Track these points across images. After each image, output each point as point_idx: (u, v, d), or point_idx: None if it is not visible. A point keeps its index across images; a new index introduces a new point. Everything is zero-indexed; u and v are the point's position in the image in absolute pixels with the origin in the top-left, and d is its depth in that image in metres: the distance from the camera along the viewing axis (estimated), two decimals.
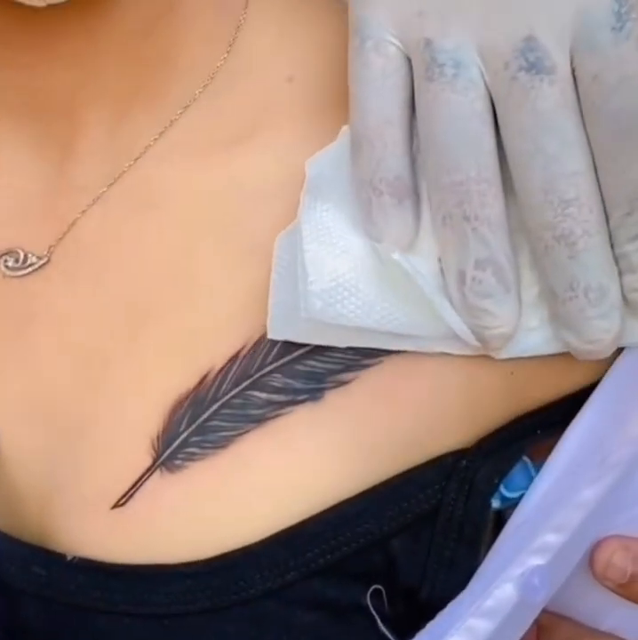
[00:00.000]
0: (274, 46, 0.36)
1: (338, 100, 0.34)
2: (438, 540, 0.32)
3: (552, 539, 0.32)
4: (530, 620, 0.33)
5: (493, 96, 0.29)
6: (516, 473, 0.34)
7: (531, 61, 0.28)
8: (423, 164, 0.30)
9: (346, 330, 0.31)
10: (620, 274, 0.29)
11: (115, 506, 0.32)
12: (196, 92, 0.36)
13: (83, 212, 0.36)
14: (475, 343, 0.30)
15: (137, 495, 0.32)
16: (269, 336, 0.32)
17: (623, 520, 0.34)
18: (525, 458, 0.34)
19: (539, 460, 0.34)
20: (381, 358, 0.31)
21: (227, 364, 0.32)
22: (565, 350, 0.31)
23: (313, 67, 0.36)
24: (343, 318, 0.30)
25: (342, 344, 0.31)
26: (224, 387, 0.32)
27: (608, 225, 0.29)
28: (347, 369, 0.31)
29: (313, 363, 0.32)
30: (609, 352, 0.30)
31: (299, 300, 0.30)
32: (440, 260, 0.30)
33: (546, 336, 0.30)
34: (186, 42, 0.36)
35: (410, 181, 0.30)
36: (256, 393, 0.32)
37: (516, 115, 0.28)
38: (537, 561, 0.32)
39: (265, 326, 0.32)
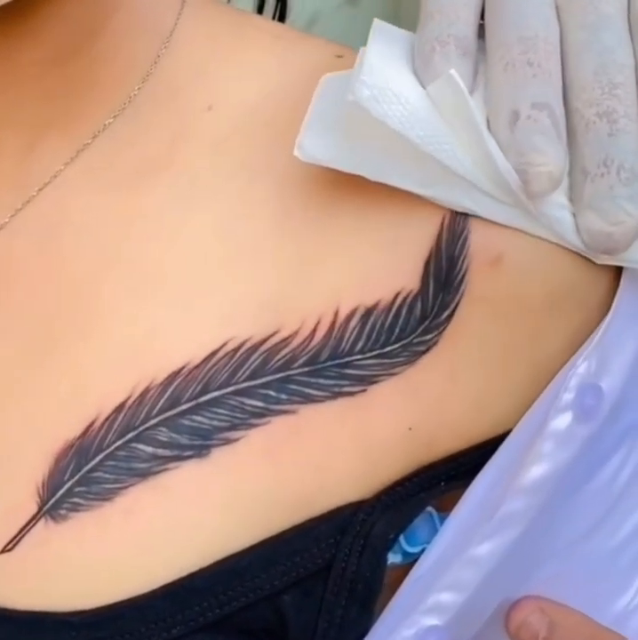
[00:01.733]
0: (195, 75, 0.35)
1: (260, 129, 0.33)
2: (329, 597, 0.31)
3: (447, 597, 0.31)
4: None
5: (558, 5, 0.31)
6: (420, 526, 0.33)
7: None
8: (489, 30, 0.31)
9: (380, 159, 0.30)
10: None
11: (2, 551, 0.31)
12: (111, 117, 0.35)
13: None
14: (516, 183, 0.29)
15: (24, 541, 0.31)
16: (295, 153, 0.30)
17: (543, 576, 0.33)
18: (430, 509, 0.33)
19: (447, 512, 0.33)
20: (269, 418, 0.30)
21: (112, 413, 0.31)
22: (584, 247, 0.30)
23: (233, 95, 0.35)
24: (388, 119, 0.29)
25: (370, 175, 0.30)
26: (109, 437, 0.31)
27: None
28: (234, 427, 0.30)
29: (199, 419, 0.31)
30: (626, 244, 0.29)
31: (346, 96, 0.29)
32: (488, 120, 0.30)
33: (572, 221, 0.30)
34: (104, 69, 0.35)
35: (475, 47, 0.31)
36: (141, 446, 0.31)
37: (580, 14, 0.30)
38: (432, 621, 0.31)
39: (153, 376, 0.31)
